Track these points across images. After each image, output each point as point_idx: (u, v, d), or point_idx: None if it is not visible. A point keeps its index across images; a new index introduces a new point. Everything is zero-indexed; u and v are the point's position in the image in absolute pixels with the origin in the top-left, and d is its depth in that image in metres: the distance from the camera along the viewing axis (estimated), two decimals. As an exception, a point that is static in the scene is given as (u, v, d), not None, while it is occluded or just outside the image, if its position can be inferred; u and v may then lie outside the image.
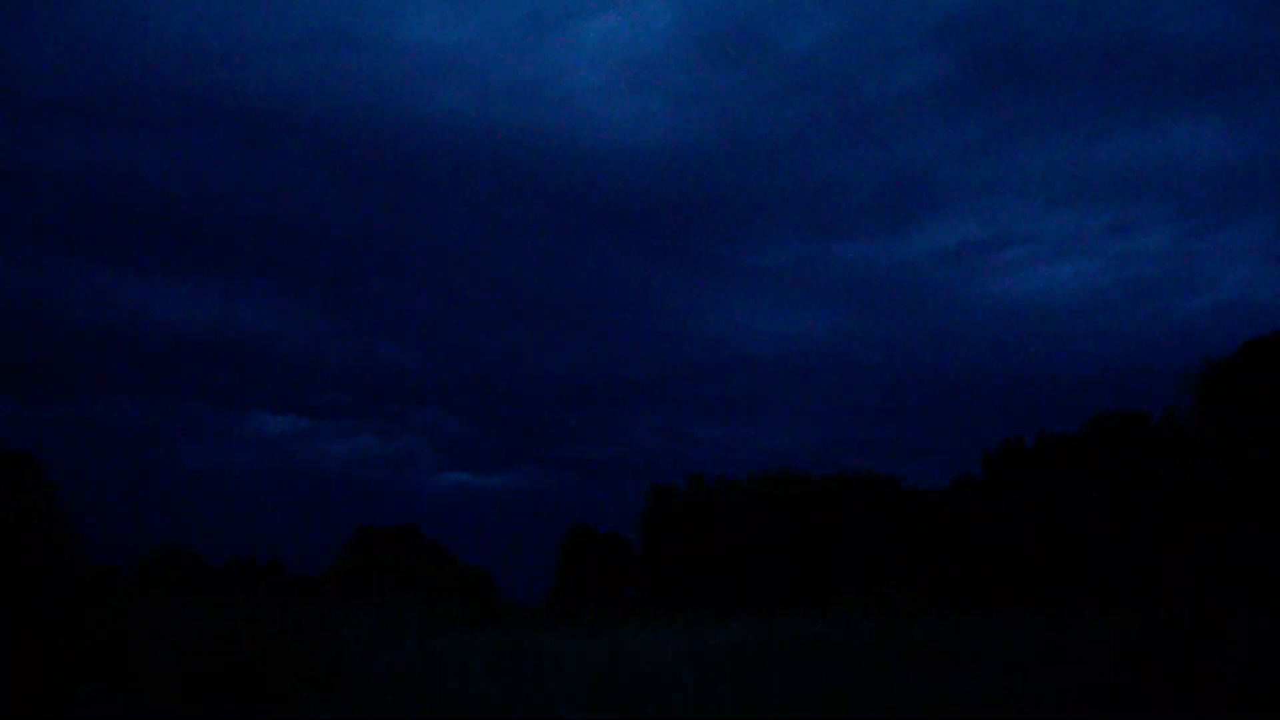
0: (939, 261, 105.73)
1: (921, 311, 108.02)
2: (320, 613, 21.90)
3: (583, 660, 14.52)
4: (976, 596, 30.50)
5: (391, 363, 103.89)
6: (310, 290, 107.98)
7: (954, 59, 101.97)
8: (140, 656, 13.78)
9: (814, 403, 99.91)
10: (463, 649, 15.93)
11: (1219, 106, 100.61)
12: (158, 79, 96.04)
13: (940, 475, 52.65)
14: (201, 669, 12.91)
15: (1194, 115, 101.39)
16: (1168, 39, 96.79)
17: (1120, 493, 32.05)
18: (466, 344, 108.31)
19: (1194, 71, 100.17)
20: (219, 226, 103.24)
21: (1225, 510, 26.63)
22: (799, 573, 40.02)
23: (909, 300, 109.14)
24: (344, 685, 12.84)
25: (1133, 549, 30.12)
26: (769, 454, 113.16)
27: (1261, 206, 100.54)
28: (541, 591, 48.68)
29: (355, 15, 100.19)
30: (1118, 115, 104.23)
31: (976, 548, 37.06)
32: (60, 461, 30.13)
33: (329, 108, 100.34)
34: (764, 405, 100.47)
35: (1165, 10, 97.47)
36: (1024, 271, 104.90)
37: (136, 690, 12.14)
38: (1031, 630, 16.60)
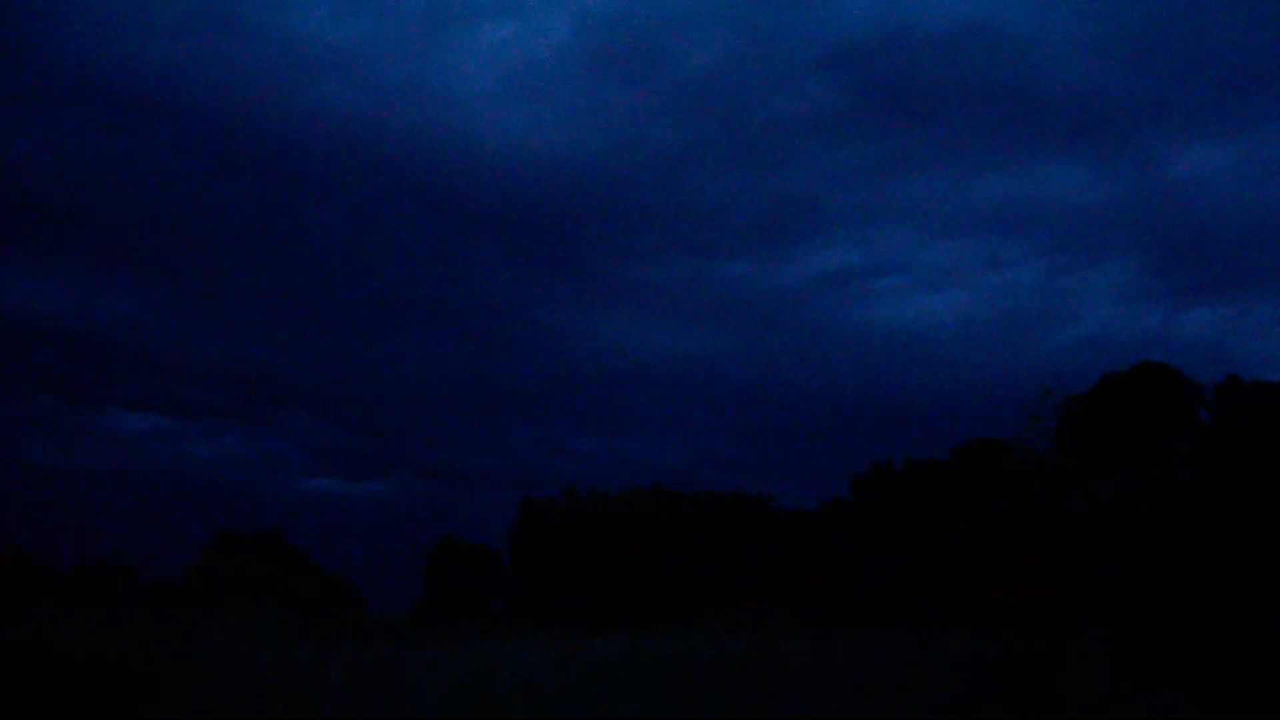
0: (819, 286, 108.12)
1: (799, 334, 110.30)
2: (175, 620, 21.18)
3: (448, 673, 14.33)
4: (842, 616, 31.14)
5: (261, 363, 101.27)
6: (177, 283, 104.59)
7: (843, 88, 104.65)
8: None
9: (690, 419, 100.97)
10: (325, 660, 15.54)
11: (1089, 151, 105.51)
12: (21, 53, 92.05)
13: (809, 497, 53.69)
14: (41, 679, 12.32)
15: (1066, 157, 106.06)
16: (1046, 85, 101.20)
17: (980, 518, 33.12)
18: (341, 348, 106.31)
19: (1068, 117, 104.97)
20: (81, 210, 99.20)
21: (1077, 536, 27.74)
22: (668, 589, 40.26)
23: (788, 323, 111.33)
24: (197, 698, 12.39)
25: (990, 572, 31.16)
26: (644, 468, 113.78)
27: (1123, 246, 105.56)
28: (408, 603, 47.91)
29: (244, 2, 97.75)
30: (996, 154, 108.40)
31: (843, 568, 37.84)
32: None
33: (208, 94, 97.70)
34: (641, 420, 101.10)
35: (1044, 59, 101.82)
36: (901, 300, 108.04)
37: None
38: (893, 649, 17.00)
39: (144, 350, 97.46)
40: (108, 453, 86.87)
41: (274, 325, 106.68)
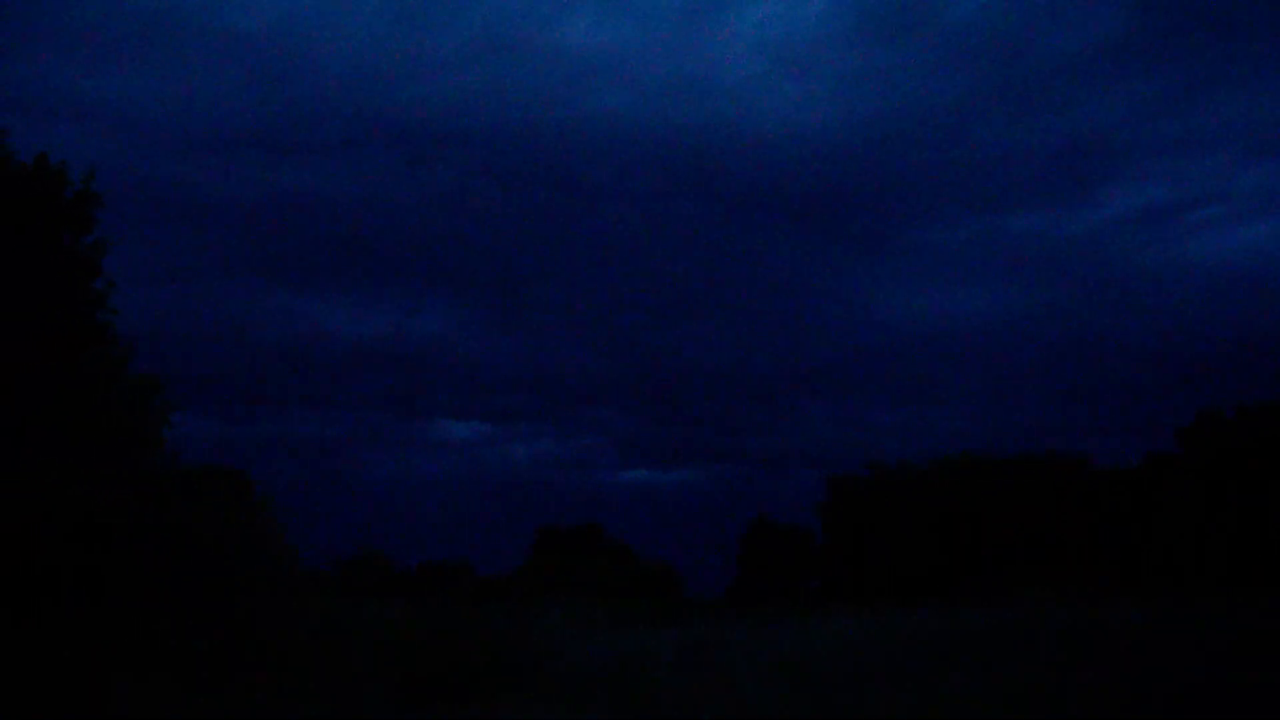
0: (1121, 228, 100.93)
1: (1103, 282, 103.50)
2: (510, 611, 22.61)
3: (770, 652, 14.58)
4: (1174, 582, 29.13)
5: (565, 364, 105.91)
6: (482, 297, 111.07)
7: (1132, 10, 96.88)
8: (347, 653, 14.59)
9: (992, 383, 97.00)
10: (651, 644, 16.19)
11: None
12: (325, 105, 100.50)
13: (1131, 453, 50.29)
14: (402, 666, 13.53)
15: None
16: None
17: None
18: (637, 342, 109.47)
19: None
20: (390, 241, 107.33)
21: None
22: (983, 558, 38.98)
23: (1089, 271, 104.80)
24: (537, 682, 13.25)
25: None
26: (948, 437, 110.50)
27: None
28: (724, 586, 48.86)
29: (512, 25, 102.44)
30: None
31: (1171, 527, 35.31)
32: (262, 474, 31.92)
33: (490, 117, 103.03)
34: (940, 387, 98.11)
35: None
36: (1218, 232, 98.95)
37: (344, 684, 12.79)
38: (1237, 619, 15.79)
39: (460, 363, 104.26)
40: (438, 460, 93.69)
41: (575, 327, 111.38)
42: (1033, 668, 12.52)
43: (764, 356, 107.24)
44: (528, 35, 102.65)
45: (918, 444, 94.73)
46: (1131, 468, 41.40)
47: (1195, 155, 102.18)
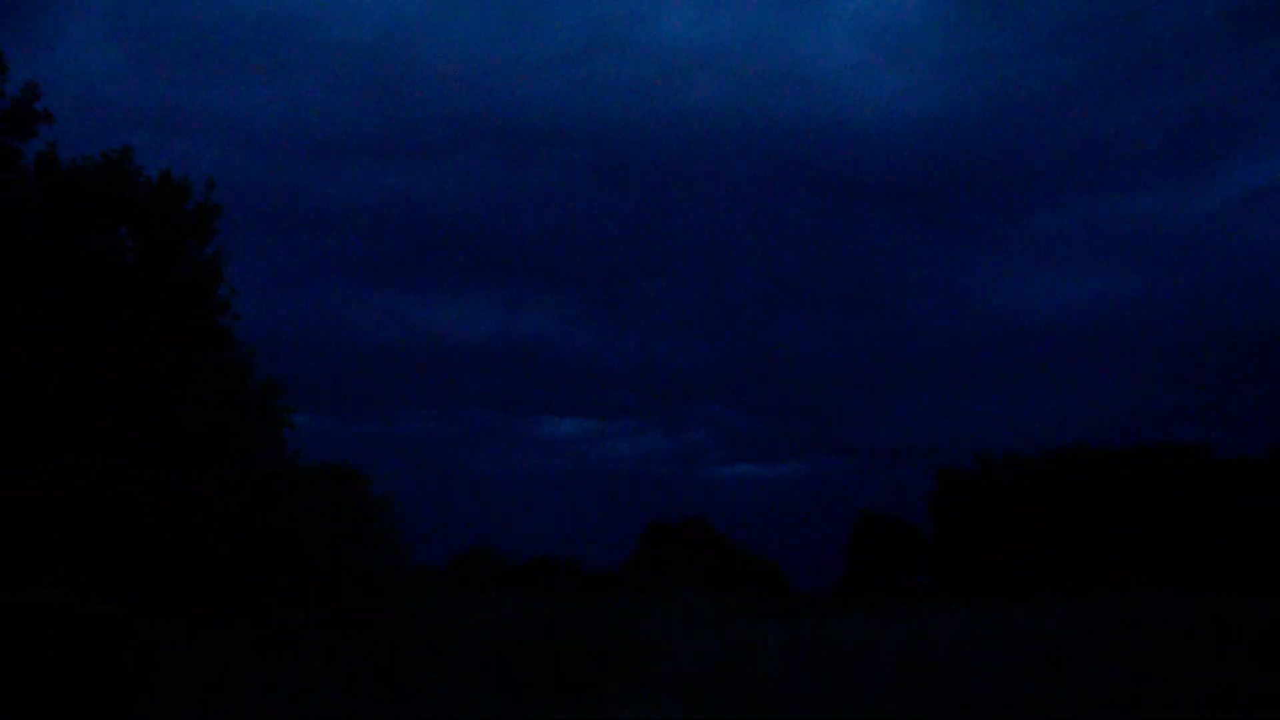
0: (1246, 206, 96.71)
1: (1224, 264, 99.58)
2: (619, 606, 22.88)
3: (881, 648, 14.54)
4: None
5: (669, 360, 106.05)
6: (586, 294, 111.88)
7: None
8: (462, 647, 15.02)
9: (1106, 372, 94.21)
10: (760, 639, 16.27)
11: None
12: (429, 110, 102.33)
13: (1256, 442, 48.41)
14: (515, 659, 13.86)
15: None
16: None
17: None
18: (741, 336, 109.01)
19: None
20: (495, 241, 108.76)
21: None
22: (1098, 552, 38.06)
23: (1210, 253, 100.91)
24: (648, 675, 13.44)
25: None
26: (1059, 428, 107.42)
27: None
28: (831, 581, 48.62)
29: (611, 23, 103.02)
30: None
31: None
32: (375, 472, 32.77)
33: (591, 115, 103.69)
34: (1051, 377, 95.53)
35: None
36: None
37: (460, 677, 13.15)
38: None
39: (565, 361, 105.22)
40: (546, 458, 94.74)
41: (679, 322, 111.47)
42: (1155, 665, 12.29)
43: (870, 348, 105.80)
44: (626, 32, 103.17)
45: (1028, 435, 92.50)
46: (1256, 457, 40.01)
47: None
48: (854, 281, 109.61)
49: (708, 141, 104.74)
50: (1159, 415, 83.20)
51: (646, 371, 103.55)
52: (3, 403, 18.03)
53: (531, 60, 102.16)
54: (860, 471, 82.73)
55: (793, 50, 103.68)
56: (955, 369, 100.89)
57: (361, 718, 10.55)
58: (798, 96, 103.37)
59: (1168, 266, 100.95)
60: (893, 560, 47.42)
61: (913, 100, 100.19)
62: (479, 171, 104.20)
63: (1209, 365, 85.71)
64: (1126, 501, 39.41)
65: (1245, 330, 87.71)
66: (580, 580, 44.54)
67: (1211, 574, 25.78)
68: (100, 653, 11.91)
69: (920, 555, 47.34)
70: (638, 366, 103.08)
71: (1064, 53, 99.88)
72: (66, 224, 20.28)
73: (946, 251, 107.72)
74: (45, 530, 16.59)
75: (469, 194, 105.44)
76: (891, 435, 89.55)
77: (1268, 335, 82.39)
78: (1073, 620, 16.30)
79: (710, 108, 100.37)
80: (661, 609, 23.20)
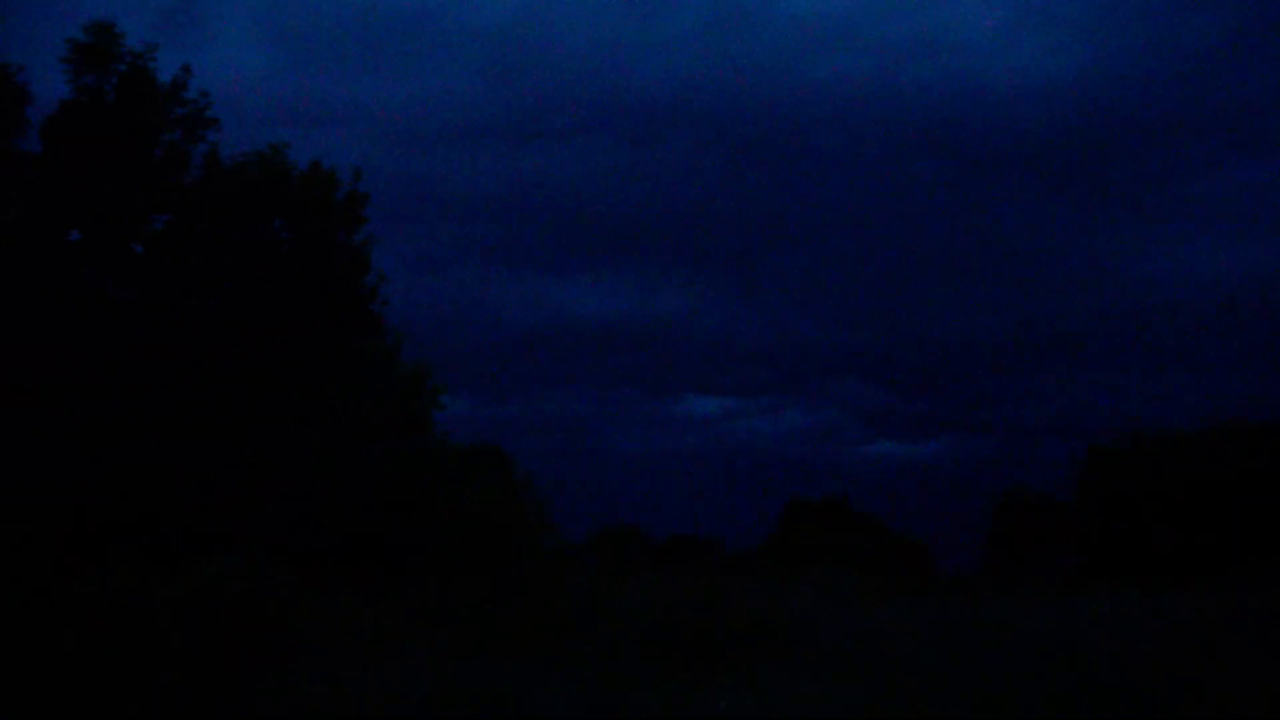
0: None
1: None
2: (762, 585, 23.01)
3: (1029, 631, 14.33)
4: None
5: (807, 337, 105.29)
6: (720, 273, 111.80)
7: None
8: (609, 622, 15.38)
9: (1265, 345, 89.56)
10: (905, 620, 16.19)
11: None
12: (560, 93, 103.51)
13: None
14: (662, 636, 14.11)
15: None
16: None
17: None
18: (881, 310, 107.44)
19: None
20: (628, 221, 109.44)
21: None
22: (1260, 533, 36.41)
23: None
24: (794, 654, 13.53)
25: None
26: (1215, 403, 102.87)
27: None
28: (975, 561, 47.69)
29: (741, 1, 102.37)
30: None
31: None
32: (519, 452, 33.59)
33: (721, 92, 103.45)
34: (1206, 350, 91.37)
35: None
36: None
37: (608, 652, 13.46)
38: None
39: (703, 339, 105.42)
40: (685, 436, 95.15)
41: (816, 298, 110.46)
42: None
43: (1013, 322, 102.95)
44: (755, 7, 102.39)
45: (1182, 411, 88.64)
46: None
47: None
48: (996, 253, 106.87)
49: (840, 114, 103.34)
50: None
51: (786, 348, 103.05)
52: (184, 390, 19.15)
53: (660, 39, 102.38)
54: (1005, 449, 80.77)
55: (926, 17, 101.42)
56: (1104, 342, 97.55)
57: (514, 689, 10.93)
58: (933, 64, 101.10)
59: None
60: (1039, 540, 46.27)
61: (1056, 63, 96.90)
62: (611, 152, 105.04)
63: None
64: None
65: None
66: (721, 558, 44.79)
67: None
68: (276, 620, 12.65)
69: (1068, 535, 46.07)
70: (775, 343, 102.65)
71: (1216, 7, 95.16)
72: (228, 218, 21.39)
73: (1093, 221, 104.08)
74: (226, 505, 17.61)
75: (602, 175, 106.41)
76: (1037, 411, 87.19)
77: None
78: (1232, 606, 15.74)
79: (841, 80, 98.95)
80: (805, 588, 23.23)
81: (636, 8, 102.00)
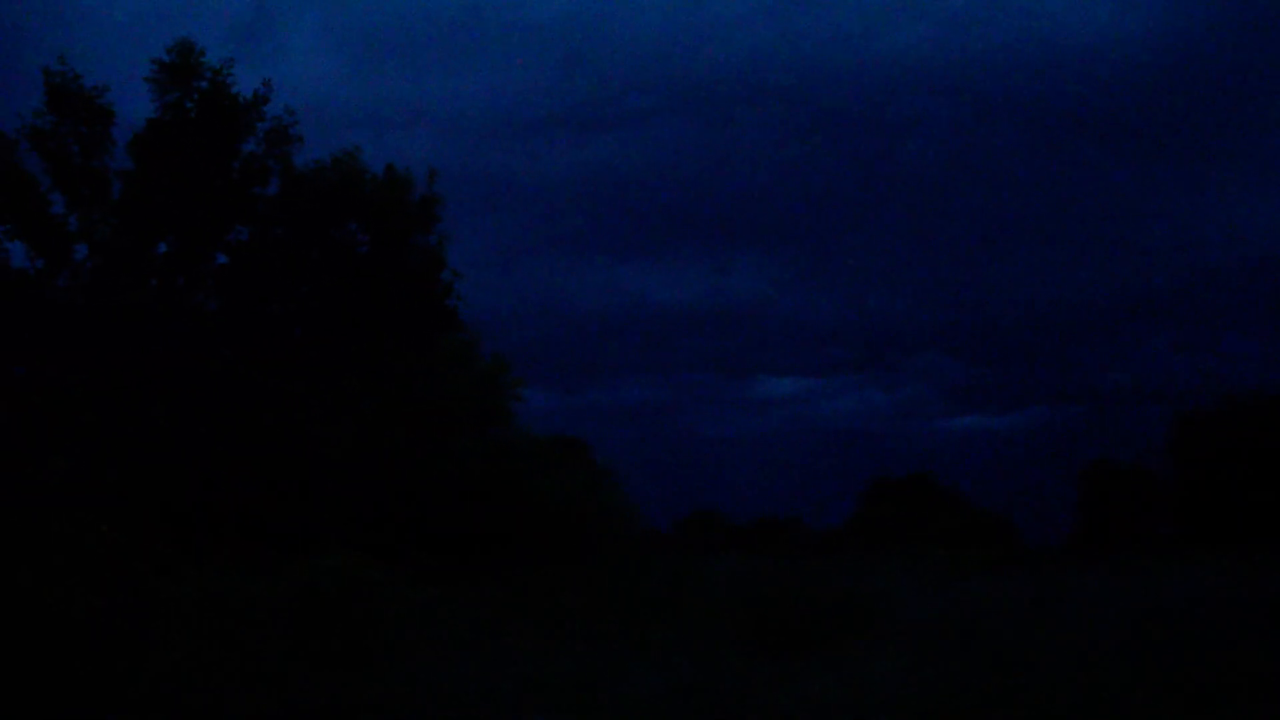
0: None
1: None
2: (847, 563, 23.03)
3: (1120, 603, 14.20)
4: None
5: (883, 313, 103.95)
6: (794, 252, 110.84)
7: None
8: (697, 605, 15.56)
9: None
10: (993, 594, 16.14)
11: None
12: (625, 79, 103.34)
13: None
14: (750, 616, 14.24)
15: None
16: None
17: None
18: (956, 283, 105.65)
19: None
20: (700, 204, 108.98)
21: None
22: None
23: None
24: (881, 630, 13.57)
25: None
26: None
27: None
28: (1064, 534, 46.96)
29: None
30: None
31: None
32: (600, 440, 33.88)
33: (787, 69, 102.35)
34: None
35: None
36: None
37: (696, 634, 13.62)
38: None
39: (779, 319, 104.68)
40: (764, 417, 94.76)
41: (889, 273, 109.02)
42: None
43: (1096, 288, 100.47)
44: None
45: (1274, 369, 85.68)
46: None
47: None
48: (1076, 218, 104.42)
49: (909, 84, 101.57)
50: None
51: (863, 325, 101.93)
52: (271, 394, 19.74)
53: (724, 19, 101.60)
54: (1092, 418, 79.19)
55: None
56: (1193, 305, 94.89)
57: (603, 674, 11.13)
58: (1005, 27, 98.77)
59: None
60: (1130, 510, 45.40)
61: (1132, 20, 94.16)
62: (680, 135, 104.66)
63: None
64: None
65: None
66: (806, 539, 44.75)
67: None
68: (372, 613, 13.05)
69: (1160, 504, 45.13)
70: (852, 321, 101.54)
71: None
72: (306, 226, 21.97)
73: (1176, 180, 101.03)
74: (317, 504, 18.14)
75: (672, 159, 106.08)
76: (1125, 378, 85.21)
77: None
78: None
79: (911, 49, 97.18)
80: (891, 565, 23.20)
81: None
